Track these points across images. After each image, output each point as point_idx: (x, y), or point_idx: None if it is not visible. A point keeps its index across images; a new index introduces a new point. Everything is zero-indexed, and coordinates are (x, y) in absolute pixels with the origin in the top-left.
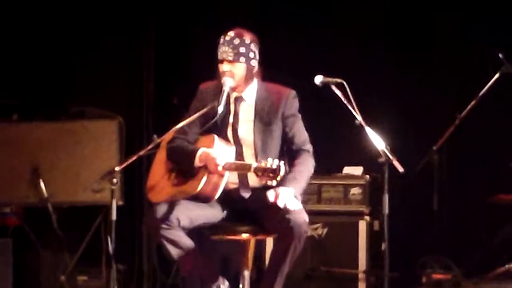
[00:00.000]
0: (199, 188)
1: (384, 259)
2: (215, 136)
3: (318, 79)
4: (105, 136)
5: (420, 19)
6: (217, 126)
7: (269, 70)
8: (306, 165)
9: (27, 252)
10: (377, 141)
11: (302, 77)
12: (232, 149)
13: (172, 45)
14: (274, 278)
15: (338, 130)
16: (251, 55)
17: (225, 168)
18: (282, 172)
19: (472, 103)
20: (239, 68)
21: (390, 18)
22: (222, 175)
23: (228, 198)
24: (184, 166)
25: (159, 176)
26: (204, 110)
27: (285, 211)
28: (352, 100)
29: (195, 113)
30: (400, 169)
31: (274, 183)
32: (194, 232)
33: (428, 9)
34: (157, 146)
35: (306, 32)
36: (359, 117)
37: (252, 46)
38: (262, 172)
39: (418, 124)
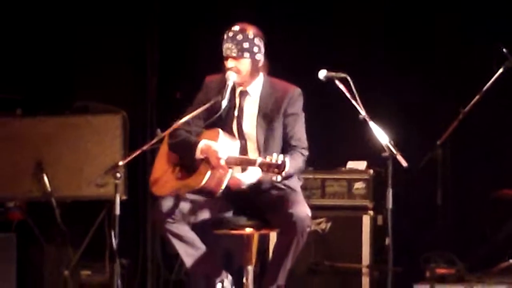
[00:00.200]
0: (203, 182)
1: (387, 253)
2: (220, 130)
3: (322, 74)
4: (108, 131)
5: (420, 19)
6: (221, 120)
7: (270, 70)
8: (295, 159)
9: (31, 247)
10: (380, 135)
11: (303, 74)
12: (236, 144)
13: (175, 41)
14: (277, 272)
15: (342, 124)
16: (255, 49)
17: (230, 162)
18: (287, 168)
19: (476, 97)
20: (244, 64)
21: (390, 18)
22: (224, 169)
23: (232, 193)
24: (185, 158)
25: (162, 170)
26: (208, 104)
27: (288, 206)
28: (356, 95)
29: (199, 105)
30: (404, 163)
31: (279, 178)
32: (198, 226)
33: (428, 9)
34: (161, 140)
35: (306, 32)
36: (362, 112)
37: (256, 40)
38: (267, 167)
39: (421, 119)
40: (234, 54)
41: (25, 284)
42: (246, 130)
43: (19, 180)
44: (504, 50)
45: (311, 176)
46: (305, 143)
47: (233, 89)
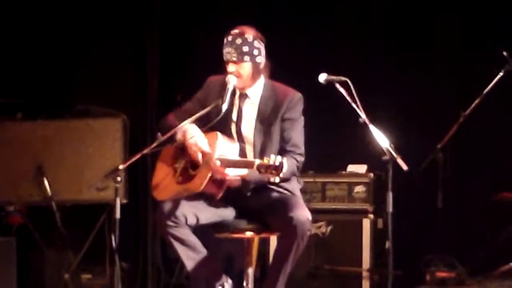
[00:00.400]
0: (203, 186)
1: (388, 257)
2: (219, 133)
3: (322, 77)
4: (109, 134)
5: (420, 19)
6: (221, 122)
7: (271, 71)
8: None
9: (31, 251)
10: (381, 139)
11: (302, 77)
12: (235, 146)
13: (176, 42)
14: (277, 276)
15: (342, 128)
16: (256, 52)
17: (228, 164)
18: (284, 169)
19: (477, 101)
20: (245, 68)
21: (390, 18)
22: (218, 167)
23: (232, 197)
24: (167, 141)
25: (163, 174)
26: (208, 108)
27: (288, 209)
28: (356, 98)
29: (197, 102)
30: (404, 167)
31: (277, 179)
32: (199, 230)
33: (428, 9)
34: (161, 144)
35: (306, 32)
36: (363, 115)
37: (256, 43)
38: (265, 168)
39: (421, 123)
40: (234, 59)
41: None
42: (244, 134)
43: (20, 184)
44: (504, 53)
45: (311, 180)
46: (301, 149)
47: (233, 92)
